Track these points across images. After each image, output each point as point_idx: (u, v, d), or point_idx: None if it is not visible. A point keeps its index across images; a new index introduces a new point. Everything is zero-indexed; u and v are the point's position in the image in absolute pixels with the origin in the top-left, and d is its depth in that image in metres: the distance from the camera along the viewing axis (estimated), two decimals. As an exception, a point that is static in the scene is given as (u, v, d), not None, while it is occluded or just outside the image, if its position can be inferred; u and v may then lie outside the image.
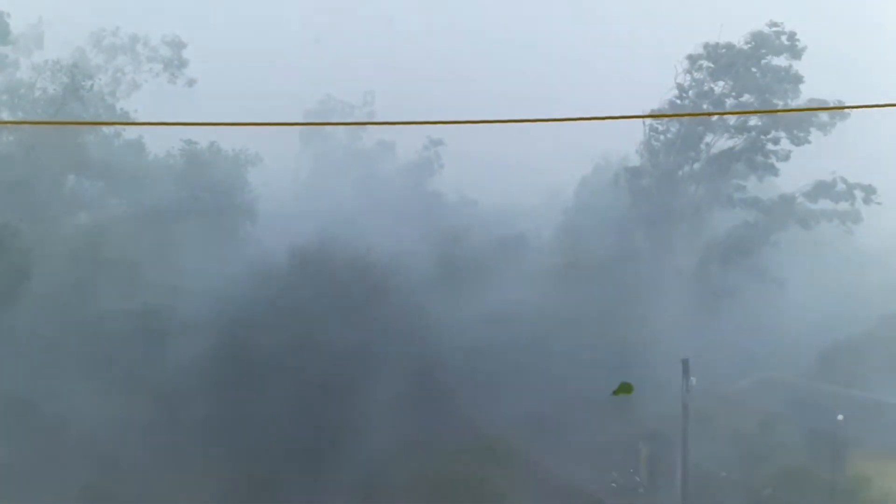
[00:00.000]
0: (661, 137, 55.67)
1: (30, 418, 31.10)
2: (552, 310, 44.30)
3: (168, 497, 29.63)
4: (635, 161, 56.41)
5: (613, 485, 38.13)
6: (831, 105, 50.08)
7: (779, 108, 52.21)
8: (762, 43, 51.82)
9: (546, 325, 43.26)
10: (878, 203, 50.08)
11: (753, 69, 51.93)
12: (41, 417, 31.30)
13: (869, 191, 50.09)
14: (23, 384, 32.46)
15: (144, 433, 32.39)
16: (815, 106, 50.95)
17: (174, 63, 55.49)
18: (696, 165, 54.50)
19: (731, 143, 53.73)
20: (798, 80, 51.40)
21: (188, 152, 44.20)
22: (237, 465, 31.95)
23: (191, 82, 55.54)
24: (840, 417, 33.15)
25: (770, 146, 52.01)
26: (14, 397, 31.88)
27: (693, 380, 31.08)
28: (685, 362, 31.23)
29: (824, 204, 51.66)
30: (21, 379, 32.66)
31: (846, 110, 50.97)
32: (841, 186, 50.72)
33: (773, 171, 52.15)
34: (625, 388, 8.32)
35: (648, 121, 55.10)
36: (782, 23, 51.88)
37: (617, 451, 38.96)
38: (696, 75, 53.36)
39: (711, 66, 52.74)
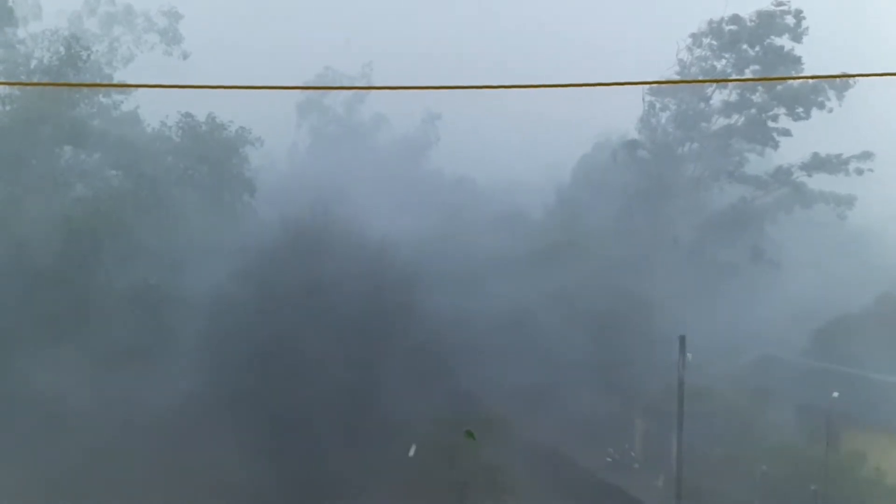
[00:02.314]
0: (661, 115, 55.65)
1: (26, 392, 31.08)
2: (550, 285, 44.33)
3: (165, 470, 29.70)
4: (635, 138, 56.32)
5: (609, 459, 38.43)
6: (833, 84, 50.28)
7: (779, 87, 52.19)
8: (767, 21, 51.69)
9: (544, 300, 43.31)
10: (870, 170, 50.30)
11: (756, 48, 51.86)
12: (38, 391, 31.27)
13: (865, 157, 50.26)
14: (20, 358, 32.42)
15: (142, 407, 32.40)
16: (817, 85, 51.12)
17: (169, 34, 55.10)
18: (696, 142, 54.48)
19: (731, 120, 53.74)
20: (797, 61, 51.34)
21: (186, 124, 43.84)
22: (235, 437, 32.05)
23: (185, 55, 55.20)
24: (835, 394, 33.31)
25: (770, 123, 52.11)
26: (10, 371, 31.85)
27: (689, 356, 31.12)
28: (681, 339, 31.26)
29: (822, 178, 51.80)
30: (18, 353, 32.60)
31: (847, 88, 51.06)
32: (838, 160, 50.87)
33: (774, 144, 52.29)
34: (470, 435, 10.21)
35: (648, 98, 55.15)
36: (788, 1, 51.80)
37: (613, 426, 39.18)
38: (698, 52, 53.25)
39: (714, 43, 52.65)
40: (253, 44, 70.56)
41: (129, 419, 31.69)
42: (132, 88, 45.07)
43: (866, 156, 50.55)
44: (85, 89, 43.00)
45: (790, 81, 51.17)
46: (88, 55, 43.18)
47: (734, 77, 52.58)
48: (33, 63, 43.83)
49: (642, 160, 54.84)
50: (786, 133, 51.91)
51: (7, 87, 40.93)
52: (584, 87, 11.12)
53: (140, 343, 34.21)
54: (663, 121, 55.44)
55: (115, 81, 45.27)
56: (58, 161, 41.38)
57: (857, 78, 50.94)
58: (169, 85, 9.40)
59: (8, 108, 40.76)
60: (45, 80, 41.23)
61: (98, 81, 44.27)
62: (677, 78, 53.17)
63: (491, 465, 30.70)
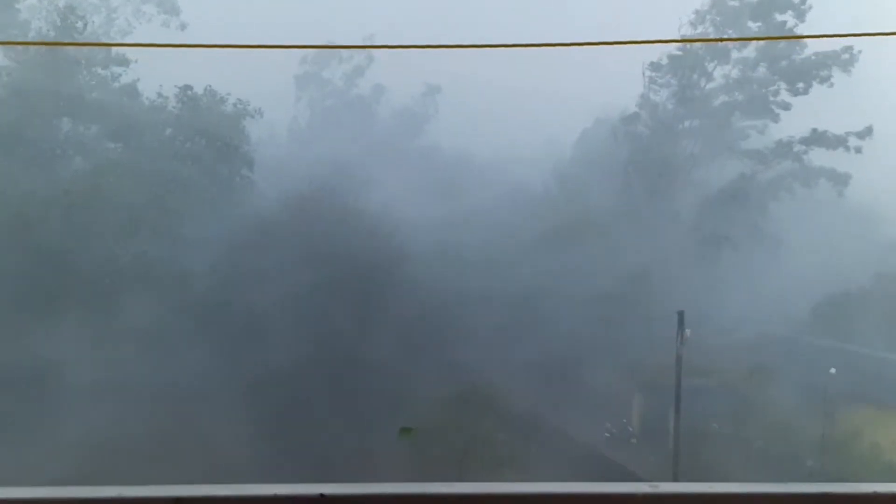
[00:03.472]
0: (661, 90, 55.52)
1: (27, 365, 31.10)
2: (550, 262, 44.34)
3: (164, 442, 29.78)
4: (636, 113, 56.19)
5: (606, 434, 38.58)
6: (837, 60, 50.14)
7: (783, 63, 52.02)
8: None
9: (542, 276, 43.34)
10: (871, 146, 50.33)
11: (758, 24, 51.67)
12: (39, 364, 31.30)
13: (867, 132, 50.25)
14: (21, 331, 32.41)
15: (142, 381, 32.45)
16: (820, 60, 50.95)
17: (167, 5, 54.73)
18: (696, 118, 54.37)
19: (731, 96, 53.62)
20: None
21: (185, 96, 43.58)
22: (233, 411, 32.14)
23: (183, 26, 54.84)
24: (832, 371, 33.43)
25: (771, 98, 52.08)
26: (12, 344, 31.85)
27: (688, 332, 31.23)
28: (680, 315, 31.37)
29: (822, 153, 51.80)
30: (19, 326, 32.60)
31: (852, 63, 50.95)
32: (838, 136, 50.83)
33: (774, 117, 52.27)
34: (406, 433, 10.79)
35: (648, 73, 55.04)
36: None
37: (611, 401, 39.31)
38: (701, 28, 53.03)
39: (718, 19, 52.47)
40: (251, 16, 70.07)
41: (130, 393, 31.73)
42: (131, 62, 44.71)
43: (867, 132, 50.51)
44: (83, 61, 42.77)
45: (793, 57, 50.95)
46: (84, 25, 42.93)
47: (736, 55, 52.40)
48: (31, 34, 43.49)
49: (643, 136, 54.74)
50: (785, 107, 51.86)
51: (3, 61, 40.78)
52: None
53: (141, 317, 34.22)
54: (664, 96, 55.33)
55: (112, 52, 44.88)
56: (56, 133, 41.21)
57: (860, 55, 50.86)
58: (168, 44, 9.30)
59: (5, 79, 40.54)
60: (42, 51, 40.97)
61: (94, 51, 43.95)
62: (680, 55, 52.96)
63: (489, 438, 30.86)
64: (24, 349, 31.64)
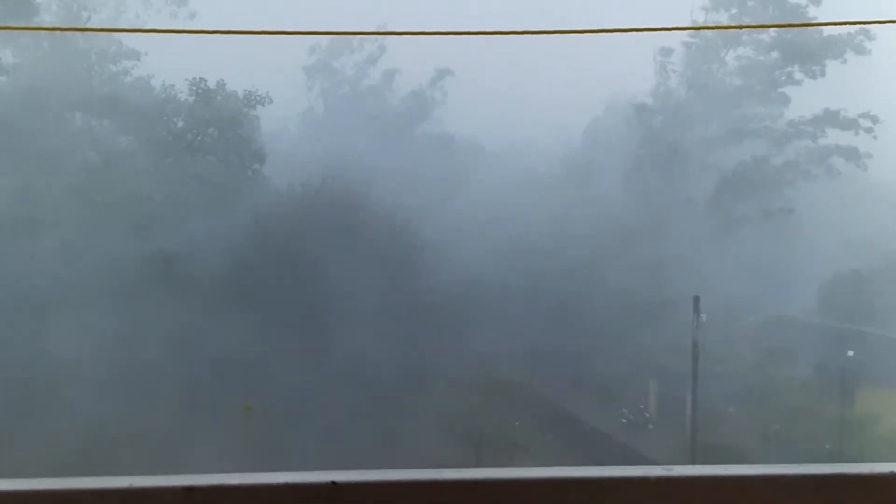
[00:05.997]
0: (672, 75, 55.28)
1: (42, 360, 31.26)
2: (562, 247, 44.26)
3: (180, 434, 29.95)
4: (647, 99, 55.93)
5: (623, 420, 38.53)
6: (851, 44, 49.71)
7: (796, 46, 51.63)
8: None
9: (556, 261, 43.28)
10: (884, 127, 49.96)
11: (772, 8, 51.28)
12: (54, 359, 31.46)
13: (874, 120, 49.91)
14: (35, 326, 32.58)
15: (157, 374, 32.60)
16: (832, 44, 50.53)
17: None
18: (708, 102, 54.05)
19: (743, 80, 53.29)
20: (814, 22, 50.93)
21: (198, 89, 43.48)
22: (254, 397, 32.25)
23: (192, 14, 54.69)
24: (850, 353, 33.27)
25: (783, 80, 51.76)
26: (26, 339, 32.04)
27: (703, 316, 31.16)
28: (695, 299, 31.30)
29: (834, 135, 51.44)
30: (34, 320, 32.77)
31: (863, 52, 50.56)
32: (851, 117, 50.46)
33: (786, 100, 52.01)
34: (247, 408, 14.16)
35: (660, 58, 54.86)
36: None
37: (627, 386, 39.28)
38: (713, 15, 52.65)
39: (732, 4, 52.15)
40: (261, 5, 69.91)
41: (150, 385, 31.89)
42: (141, 54, 44.73)
43: (882, 113, 50.08)
44: (93, 56, 42.90)
45: (806, 41, 50.56)
46: (89, 16, 43.03)
47: (749, 38, 52.02)
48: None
49: (654, 121, 54.51)
50: (797, 83, 51.55)
51: (14, 58, 40.95)
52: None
53: (153, 308, 34.33)
54: (676, 82, 55.06)
55: (122, 46, 44.94)
56: (68, 127, 41.36)
57: (875, 39, 50.37)
58: (179, 30, 9.30)
59: (17, 75, 40.68)
60: (52, 44, 41.10)
61: (105, 45, 44.04)
62: (691, 40, 52.73)
63: (506, 424, 30.94)
64: (38, 347, 31.76)
